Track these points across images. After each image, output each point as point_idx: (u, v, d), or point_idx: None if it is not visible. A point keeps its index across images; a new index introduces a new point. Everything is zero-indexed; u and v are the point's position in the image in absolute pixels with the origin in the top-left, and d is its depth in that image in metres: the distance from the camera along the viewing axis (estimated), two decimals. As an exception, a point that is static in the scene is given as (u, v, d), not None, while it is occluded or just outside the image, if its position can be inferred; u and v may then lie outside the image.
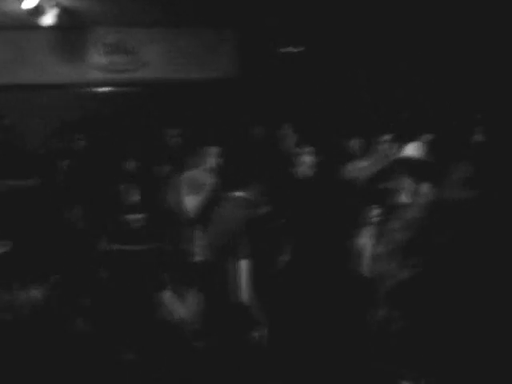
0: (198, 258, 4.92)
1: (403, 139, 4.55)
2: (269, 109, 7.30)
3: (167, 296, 4.86)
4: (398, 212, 3.54)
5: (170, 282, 4.97)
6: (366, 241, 3.74)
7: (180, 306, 4.87)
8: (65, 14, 6.53)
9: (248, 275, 3.59)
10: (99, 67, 7.81)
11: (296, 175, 5.11)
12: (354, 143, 6.26)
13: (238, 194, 4.03)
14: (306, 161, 5.09)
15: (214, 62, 8.06)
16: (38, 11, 6.29)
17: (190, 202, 5.17)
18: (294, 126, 6.56)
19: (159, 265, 5.23)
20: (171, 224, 5.56)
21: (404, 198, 3.58)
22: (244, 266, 3.62)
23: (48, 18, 6.35)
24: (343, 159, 6.18)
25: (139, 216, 5.73)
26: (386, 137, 5.94)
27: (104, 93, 8.04)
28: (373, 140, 6.04)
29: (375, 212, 3.74)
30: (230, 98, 7.91)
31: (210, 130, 6.61)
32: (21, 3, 6.29)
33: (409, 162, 3.78)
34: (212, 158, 5.35)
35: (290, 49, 7.79)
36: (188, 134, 6.63)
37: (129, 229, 5.68)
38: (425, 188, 3.56)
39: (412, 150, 4.23)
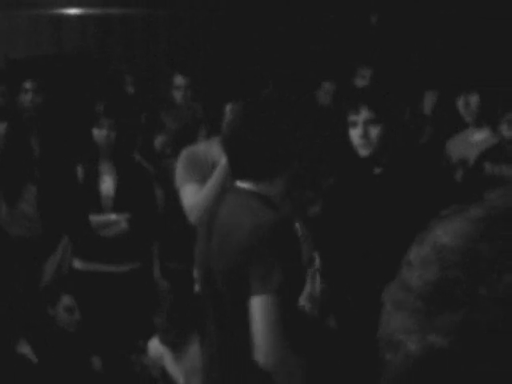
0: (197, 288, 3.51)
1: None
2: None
3: (155, 345, 3.82)
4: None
5: (162, 323, 3.82)
6: None
7: (172, 362, 3.82)
8: None
9: (272, 321, 2.12)
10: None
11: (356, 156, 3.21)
12: (469, 102, 4.16)
13: (251, 185, 2.34)
14: (355, 135, 3.12)
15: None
16: None
17: (191, 195, 3.44)
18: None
19: (147, 296, 4.06)
20: (168, 230, 4.20)
21: None
22: (263, 305, 2.13)
23: None
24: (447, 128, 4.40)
25: (117, 217, 3.96)
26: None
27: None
28: (496, 99, 4.00)
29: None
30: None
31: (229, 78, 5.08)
32: None
33: None
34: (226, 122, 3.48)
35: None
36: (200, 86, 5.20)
37: (100, 238, 3.94)
38: None
39: None
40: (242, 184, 2.28)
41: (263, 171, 2.24)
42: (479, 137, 4.11)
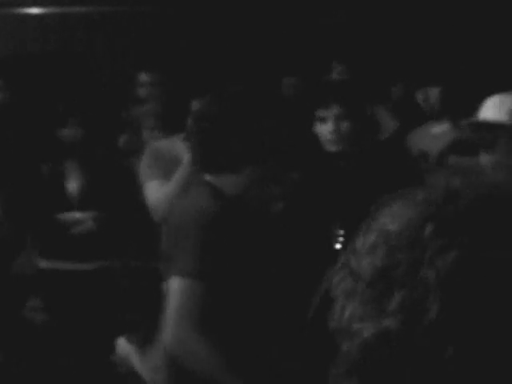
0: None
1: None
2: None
3: (122, 344, 3.58)
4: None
5: (128, 322, 3.75)
6: None
7: (139, 360, 3.55)
8: None
9: (181, 304, 2.13)
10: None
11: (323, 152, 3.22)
12: (428, 94, 4.22)
13: (211, 179, 2.36)
14: (325, 130, 3.12)
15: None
16: None
17: (154, 191, 3.43)
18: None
19: (118, 295, 4.00)
20: (137, 227, 4.02)
21: None
22: (175, 286, 2.14)
23: None
24: (409, 122, 4.40)
25: (85, 215, 3.98)
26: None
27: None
28: (457, 90, 4.09)
29: None
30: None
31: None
32: None
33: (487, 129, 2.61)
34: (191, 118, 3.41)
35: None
36: (166, 82, 5.14)
37: (68, 235, 3.93)
38: None
39: (494, 108, 2.72)
40: (205, 177, 2.31)
41: (225, 165, 2.26)
42: (439, 130, 4.17)
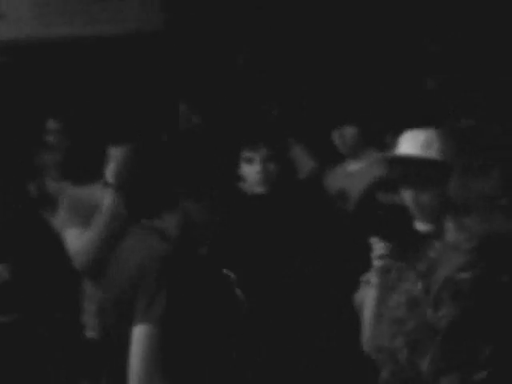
0: (91, 334, 3.45)
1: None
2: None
3: None
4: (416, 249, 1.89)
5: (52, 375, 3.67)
6: (365, 298, 2.56)
7: None
8: None
9: (149, 350, 2.11)
10: None
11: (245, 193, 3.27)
12: (344, 134, 4.27)
13: (151, 223, 2.41)
14: (251, 171, 3.18)
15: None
16: None
17: (74, 240, 3.36)
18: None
19: (34, 348, 3.78)
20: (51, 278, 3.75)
21: (421, 225, 2.57)
22: (141, 334, 2.13)
23: None
24: (324, 161, 4.49)
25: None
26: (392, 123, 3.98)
27: None
28: (373, 128, 4.27)
29: (379, 248, 2.48)
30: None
31: (115, 116, 4.84)
32: None
33: (407, 164, 2.67)
34: (116, 163, 3.38)
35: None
36: (76, 124, 5.07)
37: None
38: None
39: (411, 142, 2.79)
40: (140, 221, 2.30)
41: (153, 210, 2.27)
42: (355, 167, 4.22)
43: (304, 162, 4.42)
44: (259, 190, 3.07)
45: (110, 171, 3.38)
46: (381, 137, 4.16)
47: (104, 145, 3.50)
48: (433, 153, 2.70)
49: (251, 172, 3.07)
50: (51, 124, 5.19)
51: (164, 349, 2.08)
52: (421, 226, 2.64)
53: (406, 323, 0.88)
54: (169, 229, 2.29)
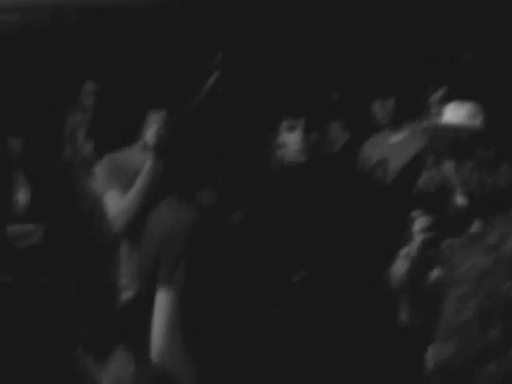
0: (125, 295, 3.49)
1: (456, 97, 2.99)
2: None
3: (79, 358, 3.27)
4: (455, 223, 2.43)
5: (83, 337, 3.14)
6: (402, 271, 2.45)
7: (98, 373, 3.15)
8: None
9: (171, 316, 2.24)
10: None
11: (280, 163, 3.34)
12: (381, 106, 4.28)
13: (185, 191, 2.49)
14: (291, 140, 3.28)
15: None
16: None
17: (114, 202, 3.44)
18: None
19: (66, 310, 3.33)
20: (85, 240, 4.06)
21: (461, 199, 2.59)
22: (165, 299, 2.25)
23: None
24: (361, 133, 4.43)
25: (29, 227, 3.96)
26: (436, 94, 4.10)
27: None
28: (413, 100, 4.24)
29: (419, 222, 2.44)
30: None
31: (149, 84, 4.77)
32: None
33: (448, 133, 2.66)
34: (154, 129, 3.44)
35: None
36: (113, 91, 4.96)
37: (13, 249, 3.90)
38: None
39: (455, 112, 2.79)
40: (177, 189, 2.37)
41: (190, 178, 2.34)
42: (397, 138, 4.19)
43: (337, 134, 4.43)
44: (299, 158, 3.10)
45: (150, 136, 3.44)
46: (422, 108, 4.14)
47: (142, 109, 3.56)
48: (477, 124, 2.71)
49: (292, 140, 3.10)
50: (89, 86, 5.25)
51: (185, 312, 2.17)
52: (461, 199, 2.62)
53: (473, 297, 0.88)
54: (202, 198, 2.35)
